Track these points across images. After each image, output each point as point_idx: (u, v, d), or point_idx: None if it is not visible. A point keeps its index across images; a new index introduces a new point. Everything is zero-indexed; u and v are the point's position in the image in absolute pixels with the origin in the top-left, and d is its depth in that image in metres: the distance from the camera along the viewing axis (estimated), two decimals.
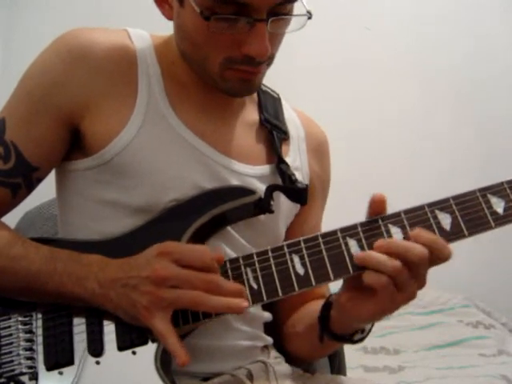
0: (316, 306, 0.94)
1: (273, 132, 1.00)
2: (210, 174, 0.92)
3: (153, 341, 0.81)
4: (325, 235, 0.82)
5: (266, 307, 1.04)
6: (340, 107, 2.76)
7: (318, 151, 1.08)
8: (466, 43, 2.89)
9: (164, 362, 0.81)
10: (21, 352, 0.84)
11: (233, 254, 0.90)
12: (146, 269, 0.78)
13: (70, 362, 0.82)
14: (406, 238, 0.79)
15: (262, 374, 0.97)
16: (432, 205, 0.80)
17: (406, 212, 0.80)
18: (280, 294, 0.81)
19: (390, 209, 0.82)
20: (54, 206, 1.24)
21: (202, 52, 0.87)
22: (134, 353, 0.82)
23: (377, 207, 0.81)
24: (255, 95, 1.04)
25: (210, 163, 0.93)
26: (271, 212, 0.91)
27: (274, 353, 1.04)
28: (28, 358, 0.84)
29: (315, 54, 2.77)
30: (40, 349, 0.84)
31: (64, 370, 0.83)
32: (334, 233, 0.81)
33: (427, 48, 2.87)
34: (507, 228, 0.81)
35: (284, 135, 1.02)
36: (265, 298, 0.81)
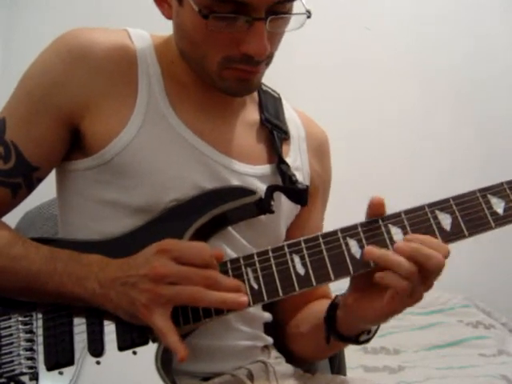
0: (320, 306, 0.94)
1: (273, 132, 1.00)
2: (210, 173, 0.92)
3: (153, 341, 0.82)
4: (325, 235, 0.82)
5: (266, 307, 1.04)
6: (340, 107, 2.75)
7: (319, 151, 1.08)
8: (466, 43, 2.89)
9: (164, 361, 0.81)
10: (21, 352, 0.84)
11: (233, 255, 0.90)
12: (144, 267, 0.78)
13: (70, 362, 0.83)
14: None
15: (263, 374, 0.97)
16: (432, 205, 0.80)
17: (407, 212, 0.81)
18: (280, 294, 0.81)
19: (390, 209, 0.82)
20: (54, 206, 1.24)
21: (201, 51, 0.87)
22: (134, 353, 0.82)
23: (376, 210, 0.81)
24: (256, 95, 1.04)
25: (210, 163, 0.93)
26: (272, 212, 0.91)
27: (274, 353, 1.04)
28: (28, 358, 0.84)
29: (315, 53, 2.77)
30: (40, 349, 0.84)
31: (64, 370, 0.83)
32: (334, 233, 0.81)
33: (427, 48, 2.87)
34: (507, 228, 0.81)
35: (284, 135, 1.02)
36: (265, 298, 0.81)
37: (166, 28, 0.96)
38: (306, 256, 0.81)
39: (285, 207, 0.99)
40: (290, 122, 1.05)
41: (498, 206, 0.79)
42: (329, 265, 0.80)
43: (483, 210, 0.79)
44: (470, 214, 0.79)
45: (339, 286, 0.88)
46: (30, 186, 0.92)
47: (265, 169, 0.98)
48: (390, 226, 0.80)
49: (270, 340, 1.04)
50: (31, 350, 0.84)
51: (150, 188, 0.89)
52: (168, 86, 0.94)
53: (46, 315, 0.86)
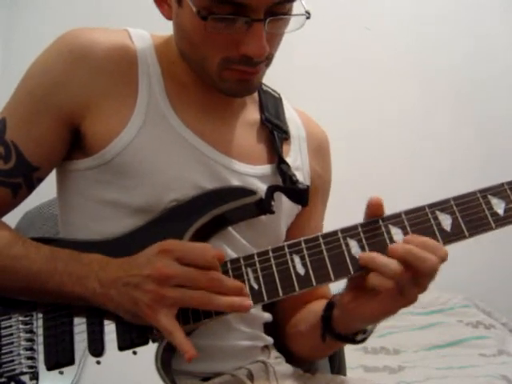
0: (318, 306, 0.94)
1: (273, 132, 1.00)
2: (210, 174, 0.92)
3: (153, 341, 0.82)
4: (325, 236, 0.82)
5: (266, 308, 1.04)
6: (340, 107, 2.76)
7: (319, 151, 1.08)
8: (466, 43, 2.89)
9: (164, 361, 0.81)
10: (21, 352, 0.84)
11: (234, 255, 0.90)
12: (147, 267, 0.78)
13: (70, 361, 0.83)
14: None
15: (263, 374, 0.97)
16: (433, 206, 0.80)
17: (407, 213, 0.81)
18: (281, 294, 0.81)
19: (390, 209, 0.82)
20: (54, 206, 1.24)
21: (200, 52, 0.87)
22: (134, 353, 0.82)
23: (375, 210, 0.81)
24: (256, 95, 1.04)
25: (210, 163, 0.93)
26: (272, 212, 0.91)
27: (274, 353, 1.04)
28: (29, 358, 0.84)
29: (315, 53, 2.77)
30: (40, 348, 0.84)
31: (64, 369, 0.83)
32: (334, 233, 0.81)
33: (427, 48, 2.87)
34: (507, 228, 0.81)
35: (285, 135, 1.02)
36: (265, 298, 0.81)
37: (166, 28, 0.96)
38: (306, 256, 0.81)
39: (285, 207, 0.99)
40: (290, 122, 1.05)
41: (499, 206, 0.79)
42: (329, 265, 0.80)
43: (484, 210, 0.79)
44: (471, 214, 0.79)
45: (339, 286, 0.88)
46: (31, 186, 0.92)
47: (265, 169, 0.98)
48: (390, 226, 0.80)
49: (270, 340, 1.04)
50: (31, 349, 0.84)
51: (151, 188, 0.89)
52: (168, 87, 0.94)
53: (46, 315, 0.86)
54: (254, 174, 0.96)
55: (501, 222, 0.79)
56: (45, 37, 0.99)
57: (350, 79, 2.82)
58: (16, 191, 0.91)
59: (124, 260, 0.82)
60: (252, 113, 1.02)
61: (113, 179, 0.90)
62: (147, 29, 1.00)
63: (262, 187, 0.93)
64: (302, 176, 1.02)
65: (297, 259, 0.81)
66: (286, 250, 0.82)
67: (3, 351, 0.85)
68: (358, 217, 0.83)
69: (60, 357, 0.83)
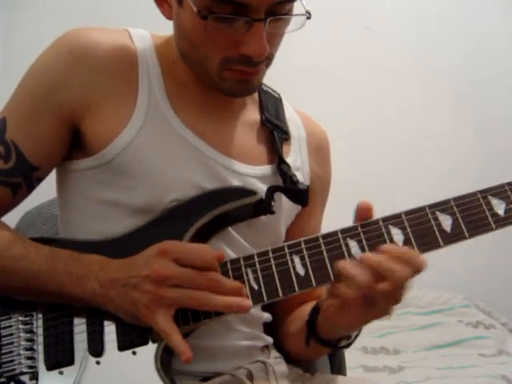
0: (309, 309, 0.93)
1: (274, 132, 1.00)
2: (210, 174, 0.92)
3: (153, 341, 0.82)
4: (325, 236, 0.82)
5: (265, 308, 1.04)
6: (340, 107, 2.76)
7: (319, 151, 1.08)
8: (466, 43, 2.89)
9: (164, 362, 0.81)
10: (21, 352, 0.84)
11: (233, 255, 0.90)
12: (145, 268, 0.78)
13: (70, 361, 0.83)
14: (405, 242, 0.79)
15: (262, 374, 0.97)
16: (433, 206, 0.80)
17: (407, 213, 0.80)
18: (280, 294, 0.81)
19: (391, 209, 0.82)
20: (54, 206, 1.24)
21: (201, 52, 0.87)
22: (134, 353, 0.82)
23: (363, 214, 0.81)
24: (256, 95, 1.03)
25: (210, 163, 0.93)
26: (272, 213, 0.91)
27: (274, 353, 1.04)
28: (28, 358, 0.84)
29: (315, 53, 2.78)
30: (40, 348, 0.84)
31: (64, 369, 0.83)
32: (334, 234, 0.81)
33: (427, 48, 2.87)
34: (507, 229, 0.81)
35: (285, 135, 1.02)
36: (265, 299, 0.81)
37: (166, 28, 0.96)
38: (306, 256, 0.81)
39: (285, 207, 0.99)
40: (290, 122, 1.05)
41: (499, 207, 0.79)
42: (329, 265, 0.80)
43: (484, 211, 0.79)
44: (471, 215, 0.79)
45: None
46: (30, 186, 0.92)
47: (265, 169, 0.98)
48: (390, 226, 0.80)
49: (269, 340, 1.04)
50: (31, 349, 0.84)
51: (151, 188, 0.89)
52: (168, 87, 0.94)
53: (46, 315, 0.86)
54: (255, 175, 0.96)
55: (501, 222, 0.79)
56: (45, 37, 0.99)
57: (350, 79, 2.82)
58: (16, 191, 0.91)
59: (124, 261, 0.82)
60: (252, 113, 1.02)
61: (113, 179, 0.90)
62: (147, 29, 1.00)
63: (262, 187, 0.93)
64: (302, 176, 1.02)
65: (297, 259, 0.81)
66: (286, 250, 0.82)
67: (3, 351, 0.85)
68: None
69: (60, 357, 0.83)
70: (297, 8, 0.87)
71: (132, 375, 0.82)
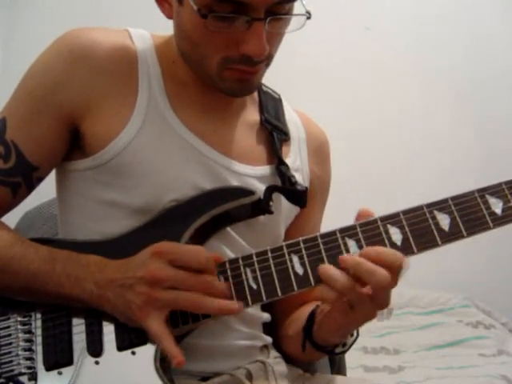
0: (307, 312, 0.93)
1: (273, 133, 1.00)
2: (210, 174, 0.92)
3: (152, 341, 0.81)
4: (324, 235, 0.81)
5: (265, 308, 1.04)
6: (340, 107, 2.76)
7: (319, 152, 1.08)
8: (466, 43, 2.89)
9: (163, 361, 0.81)
10: (20, 352, 0.84)
11: (232, 255, 0.90)
12: (140, 269, 0.78)
13: (69, 362, 0.83)
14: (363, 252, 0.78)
15: (261, 374, 0.97)
16: (431, 205, 0.80)
17: (405, 212, 0.80)
18: (279, 294, 0.81)
19: (390, 209, 0.82)
20: (54, 206, 1.24)
21: (200, 51, 0.87)
22: (133, 353, 0.82)
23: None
24: (256, 95, 1.03)
25: (210, 164, 0.93)
26: (270, 213, 0.91)
27: (273, 353, 1.04)
28: (27, 359, 0.84)
29: (315, 53, 2.78)
30: (39, 349, 0.84)
31: (63, 370, 0.83)
32: (333, 233, 0.81)
33: (427, 48, 2.87)
34: (506, 228, 0.81)
35: (284, 136, 1.02)
36: (264, 298, 0.81)
37: (166, 28, 0.95)
38: (305, 256, 0.81)
39: (284, 208, 0.99)
40: (290, 123, 1.05)
41: (497, 206, 0.79)
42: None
43: (482, 210, 0.79)
44: (469, 214, 0.79)
45: None
46: (30, 186, 0.92)
47: (265, 170, 0.98)
48: (388, 226, 0.80)
49: (269, 340, 1.04)
50: (30, 350, 0.84)
51: (150, 188, 0.89)
52: (168, 87, 0.94)
53: (44, 315, 0.86)
54: (254, 175, 0.96)
55: (499, 221, 0.79)
56: (45, 37, 0.99)
57: (350, 79, 2.82)
58: (16, 191, 0.91)
59: (122, 262, 0.82)
60: (252, 113, 1.02)
61: (112, 179, 0.90)
62: (147, 29, 1.00)
63: (261, 188, 0.93)
64: (301, 177, 1.02)
65: (295, 259, 0.81)
66: (285, 249, 0.82)
67: (1, 352, 0.84)
68: None
69: (59, 357, 0.83)
70: (297, 8, 0.87)
71: (131, 375, 0.82)
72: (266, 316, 1.04)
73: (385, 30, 2.88)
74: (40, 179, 0.93)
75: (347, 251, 0.80)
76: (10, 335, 0.85)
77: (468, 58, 2.89)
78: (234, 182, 0.93)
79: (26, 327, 0.85)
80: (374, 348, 2.22)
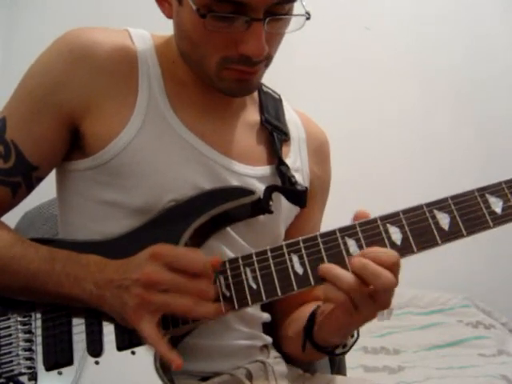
0: (308, 312, 0.93)
1: (273, 133, 1.00)
2: (209, 174, 0.92)
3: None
4: (324, 235, 0.81)
5: (264, 308, 1.04)
6: (340, 107, 2.76)
7: (319, 152, 1.08)
8: (466, 43, 2.89)
9: (163, 361, 0.81)
10: (20, 352, 0.84)
11: (232, 255, 0.90)
12: (136, 271, 0.78)
13: (69, 362, 0.83)
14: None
15: (261, 374, 0.97)
16: (430, 204, 0.80)
17: (405, 212, 0.80)
18: (279, 293, 0.81)
19: (390, 209, 0.82)
20: (54, 206, 1.24)
21: (200, 51, 0.87)
22: (133, 353, 0.82)
23: None
24: (256, 96, 1.03)
25: (210, 164, 0.93)
26: (270, 212, 0.91)
27: (273, 352, 1.04)
28: (27, 359, 0.84)
29: (315, 53, 2.78)
30: (39, 349, 0.84)
31: (63, 370, 0.83)
32: (332, 233, 0.81)
33: (427, 48, 2.87)
34: (507, 227, 0.81)
35: (285, 136, 1.02)
36: (264, 298, 0.81)
37: (167, 28, 0.95)
38: (305, 255, 0.81)
39: (284, 208, 0.99)
40: (290, 124, 1.05)
41: (497, 205, 0.79)
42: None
43: (481, 209, 0.79)
44: (469, 213, 0.79)
45: None
46: (30, 186, 0.92)
47: (264, 170, 0.98)
48: (388, 225, 0.80)
49: (269, 340, 1.04)
50: (30, 350, 0.84)
51: (150, 188, 0.89)
52: (168, 87, 0.94)
53: (44, 315, 0.86)
54: (254, 175, 0.96)
55: (499, 220, 0.79)
56: (45, 37, 0.99)
57: (350, 79, 2.82)
58: (15, 190, 0.91)
59: (121, 262, 0.82)
60: (252, 114, 1.02)
61: (112, 180, 0.90)
62: (148, 29, 0.99)
63: (260, 188, 0.93)
64: (301, 177, 1.02)
65: (295, 258, 0.81)
66: (285, 249, 0.82)
67: (2, 352, 0.85)
68: None
69: (59, 357, 0.83)
70: (297, 8, 0.87)
71: (131, 375, 0.82)
72: (266, 316, 1.04)
73: (385, 30, 2.88)
74: (40, 179, 0.93)
75: (347, 251, 0.80)
76: (10, 335, 0.85)
77: (468, 57, 2.89)
78: (234, 182, 0.93)
79: (26, 327, 0.85)
80: (374, 348, 2.23)
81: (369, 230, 0.80)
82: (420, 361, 2.10)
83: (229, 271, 0.83)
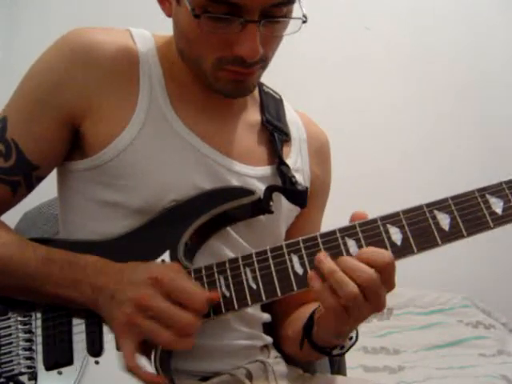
0: (307, 312, 0.93)
1: (274, 133, 1.00)
2: (210, 174, 0.92)
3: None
4: (324, 235, 0.81)
5: (264, 308, 1.04)
6: (340, 107, 2.75)
7: (320, 153, 1.08)
8: (466, 43, 2.89)
9: (163, 361, 0.81)
10: (20, 352, 0.84)
11: (232, 255, 0.90)
12: (133, 290, 0.78)
13: (69, 361, 0.83)
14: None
15: (261, 374, 0.97)
16: (431, 205, 0.80)
17: (405, 212, 0.80)
18: (279, 293, 0.81)
19: (390, 209, 0.82)
20: (54, 206, 1.24)
21: (196, 50, 0.87)
22: None
23: None
24: (257, 96, 1.03)
25: (210, 164, 0.93)
26: (270, 212, 0.91)
27: (273, 352, 1.04)
28: (27, 358, 0.84)
29: (315, 53, 2.77)
30: (39, 349, 0.84)
31: (63, 369, 0.83)
32: (332, 233, 0.81)
33: (427, 48, 2.87)
34: (507, 227, 0.80)
35: (285, 137, 1.01)
36: (264, 298, 0.81)
37: (167, 28, 0.95)
38: (305, 256, 0.81)
39: (284, 209, 0.99)
40: (291, 124, 1.05)
41: (497, 205, 0.79)
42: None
43: (482, 209, 0.79)
44: (469, 213, 0.79)
45: None
46: (30, 185, 0.92)
47: (265, 170, 0.98)
48: (388, 225, 0.80)
49: (269, 340, 1.04)
50: (30, 349, 0.84)
51: (150, 189, 0.89)
52: (169, 87, 0.94)
53: (45, 315, 0.86)
54: (254, 175, 0.96)
55: (499, 221, 0.79)
56: (45, 37, 0.99)
57: (350, 79, 2.82)
58: (15, 189, 0.91)
59: (119, 268, 0.82)
60: (253, 114, 1.02)
61: (112, 180, 0.90)
62: (149, 29, 0.99)
63: (261, 188, 0.93)
64: (301, 178, 1.02)
65: (295, 259, 0.81)
66: (285, 249, 0.82)
67: (2, 351, 0.85)
68: None
69: (59, 357, 0.83)
70: (297, 10, 0.86)
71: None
72: (266, 316, 1.04)
73: (385, 30, 2.88)
74: (40, 178, 0.93)
75: (347, 251, 0.80)
76: (10, 335, 0.85)
77: (468, 57, 2.89)
78: (235, 183, 0.93)
79: (27, 327, 0.85)
80: (374, 348, 2.22)
81: (369, 231, 0.80)
82: (420, 361, 2.10)
83: (229, 271, 0.83)
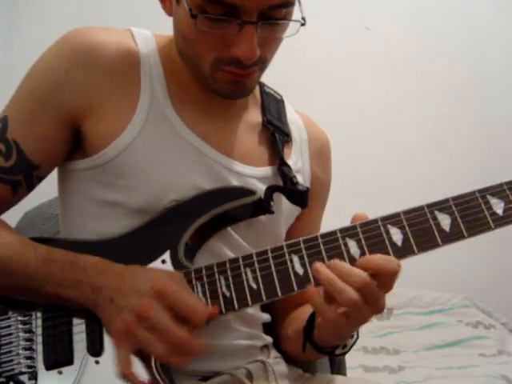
0: (306, 312, 0.93)
1: (275, 134, 0.99)
2: (211, 174, 0.92)
3: None
4: (324, 235, 0.81)
5: (264, 307, 1.04)
6: (340, 107, 2.76)
7: (321, 153, 1.08)
8: (466, 43, 2.89)
9: (163, 361, 0.81)
10: (20, 351, 0.84)
11: (233, 255, 0.90)
12: (135, 298, 0.78)
13: (69, 361, 0.83)
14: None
15: (262, 374, 0.97)
16: (431, 205, 0.80)
17: (406, 212, 0.80)
18: (279, 294, 0.81)
19: (391, 209, 0.82)
20: (54, 206, 1.24)
21: (194, 50, 0.87)
22: None
23: None
24: (258, 96, 1.03)
25: (211, 164, 0.93)
26: (271, 213, 0.91)
27: (273, 352, 1.04)
28: (27, 358, 0.84)
29: (315, 53, 2.77)
30: (39, 348, 0.84)
31: (63, 369, 0.83)
32: (333, 233, 0.81)
33: (427, 48, 2.87)
34: (507, 228, 0.80)
35: (286, 137, 1.01)
36: (264, 298, 0.81)
37: (167, 28, 0.95)
38: (305, 256, 0.81)
39: (285, 209, 0.99)
40: (292, 124, 1.05)
41: (498, 206, 0.79)
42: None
43: (483, 210, 0.79)
44: (470, 214, 0.79)
45: None
46: (30, 185, 0.92)
47: (266, 170, 0.98)
48: (389, 226, 0.80)
49: (269, 340, 1.04)
50: (30, 349, 0.84)
51: (151, 188, 0.89)
52: (170, 87, 0.94)
53: (45, 315, 0.86)
54: (255, 176, 0.96)
55: (500, 221, 0.79)
56: (45, 36, 1.00)
57: (350, 79, 2.82)
58: (16, 189, 0.91)
59: (120, 269, 0.82)
60: (254, 114, 1.02)
61: (113, 179, 0.90)
62: (150, 28, 0.99)
63: (261, 188, 0.93)
64: (302, 178, 1.02)
65: (295, 259, 0.81)
66: (285, 249, 0.82)
67: (2, 351, 0.85)
68: None
69: (59, 356, 0.83)
70: (297, 12, 0.86)
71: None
72: (266, 316, 1.04)
73: (385, 30, 2.88)
74: (40, 178, 0.93)
75: (347, 251, 0.80)
76: (10, 334, 0.85)
77: (468, 57, 2.89)
78: (235, 183, 0.93)
79: (27, 326, 0.85)
80: (374, 348, 2.22)
81: (369, 231, 0.80)
82: (420, 361, 2.10)
83: (229, 271, 0.83)
